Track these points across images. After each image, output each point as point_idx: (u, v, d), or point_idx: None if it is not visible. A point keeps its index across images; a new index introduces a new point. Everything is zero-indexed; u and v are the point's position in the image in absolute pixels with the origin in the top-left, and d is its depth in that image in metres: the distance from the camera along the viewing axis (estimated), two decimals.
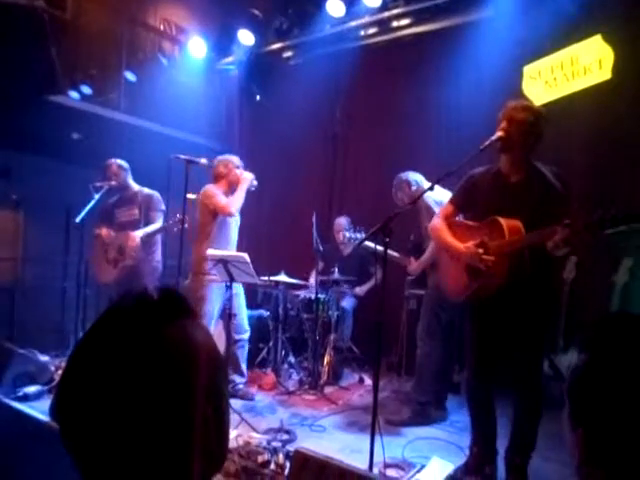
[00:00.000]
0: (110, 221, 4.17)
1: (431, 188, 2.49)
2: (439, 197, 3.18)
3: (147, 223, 4.06)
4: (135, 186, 4.20)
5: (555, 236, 2.00)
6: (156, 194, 4.18)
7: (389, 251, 2.39)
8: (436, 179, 2.48)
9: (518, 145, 2.29)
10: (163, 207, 4.17)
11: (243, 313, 3.80)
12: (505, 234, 2.21)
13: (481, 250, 2.30)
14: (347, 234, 3.74)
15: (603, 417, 0.70)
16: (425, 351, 3.35)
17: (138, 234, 3.96)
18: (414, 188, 3.52)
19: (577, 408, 0.74)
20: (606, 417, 0.70)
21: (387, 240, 2.31)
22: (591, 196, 3.57)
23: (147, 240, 4.02)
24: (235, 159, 3.81)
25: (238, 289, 3.72)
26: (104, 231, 4.11)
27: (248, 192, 3.69)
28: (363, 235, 3.77)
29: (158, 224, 4.07)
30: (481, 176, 2.46)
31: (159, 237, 4.22)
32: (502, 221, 2.23)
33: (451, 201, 2.58)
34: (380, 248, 2.35)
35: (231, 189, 3.70)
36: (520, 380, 2.40)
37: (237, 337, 3.69)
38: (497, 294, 2.31)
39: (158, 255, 4.19)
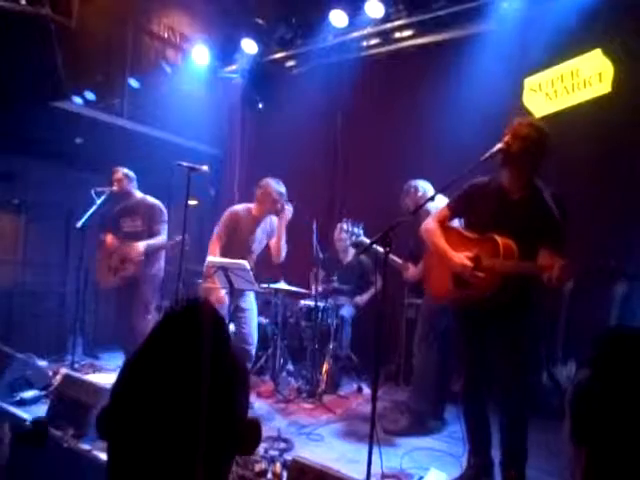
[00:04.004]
0: (116, 229, 4.15)
1: (432, 199, 2.54)
2: (441, 205, 3.20)
3: (151, 235, 4.04)
4: (138, 195, 4.18)
5: (552, 272, 2.03)
6: (158, 204, 4.15)
7: (390, 255, 2.39)
8: (439, 189, 2.51)
9: (518, 160, 2.29)
10: (166, 217, 4.14)
11: (254, 325, 3.76)
12: (500, 254, 2.23)
13: (472, 264, 2.32)
14: (345, 226, 3.65)
15: (608, 435, 0.69)
16: (421, 360, 3.35)
17: (141, 245, 3.95)
18: (420, 194, 3.58)
19: (581, 426, 0.73)
20: (611, 435, 0.69)
21: (388, 250, 2.31)
22: (589, 207, 3.60)
23: (150, 252, 4.02)
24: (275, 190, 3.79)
25: (249, 304, 3.73)
26: (109, 238, 4.11)
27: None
28: (362, 230, 3.76)
29: (163, 237, 4.08)
30: (482, 187, 2.46)
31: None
32: (499, 240, 2.25)
33: (448, 206, 2.58)
34: (381, 249, 2.34)
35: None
36: (503, 392, 2.40)
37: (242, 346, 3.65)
38: (481, 305, 2.34)
39: (160, 264, 4.18)
